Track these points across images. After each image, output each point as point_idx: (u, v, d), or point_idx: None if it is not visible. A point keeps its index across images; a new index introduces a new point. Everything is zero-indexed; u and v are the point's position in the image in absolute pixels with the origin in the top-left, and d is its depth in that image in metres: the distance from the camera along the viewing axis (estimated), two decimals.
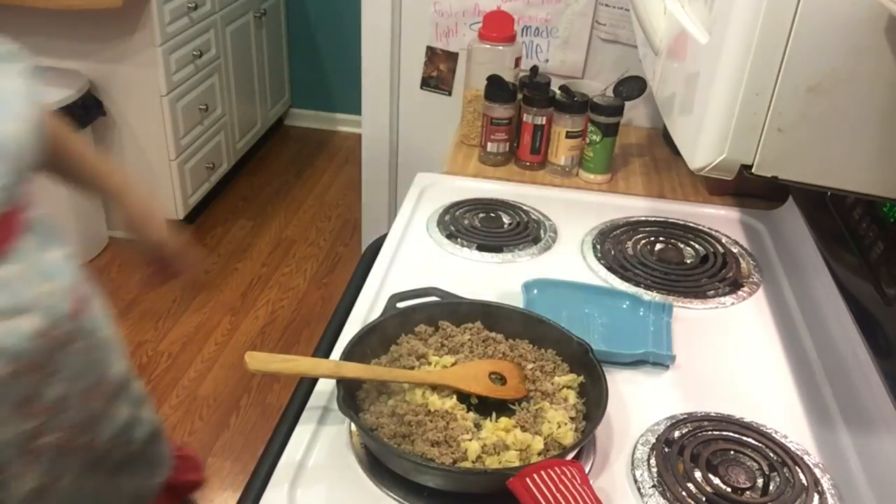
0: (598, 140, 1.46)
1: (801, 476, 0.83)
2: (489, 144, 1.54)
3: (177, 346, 2.45)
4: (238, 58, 3.10)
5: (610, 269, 1.21)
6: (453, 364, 0.93)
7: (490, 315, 0.99)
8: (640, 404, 0.94)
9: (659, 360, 1.00)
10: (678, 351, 1.02)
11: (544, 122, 1.49)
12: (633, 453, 0.86)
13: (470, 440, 0.82)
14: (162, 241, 1.03)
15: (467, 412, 0.87)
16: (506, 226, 1.32)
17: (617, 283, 1.17)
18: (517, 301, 1.07)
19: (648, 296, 1.13)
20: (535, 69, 1.56)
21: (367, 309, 1.08)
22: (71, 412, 0.85)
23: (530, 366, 0.94)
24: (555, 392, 0.90)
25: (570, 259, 1.25)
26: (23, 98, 0.80)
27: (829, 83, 0.67)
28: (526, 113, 1.49)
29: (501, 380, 0.90)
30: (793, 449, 0.87)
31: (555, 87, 1.51)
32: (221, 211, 3.13)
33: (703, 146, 0.75)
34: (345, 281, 1.27)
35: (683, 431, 0.88)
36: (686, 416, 0.92)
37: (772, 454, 0.85)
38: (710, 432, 0.88)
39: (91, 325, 0.87)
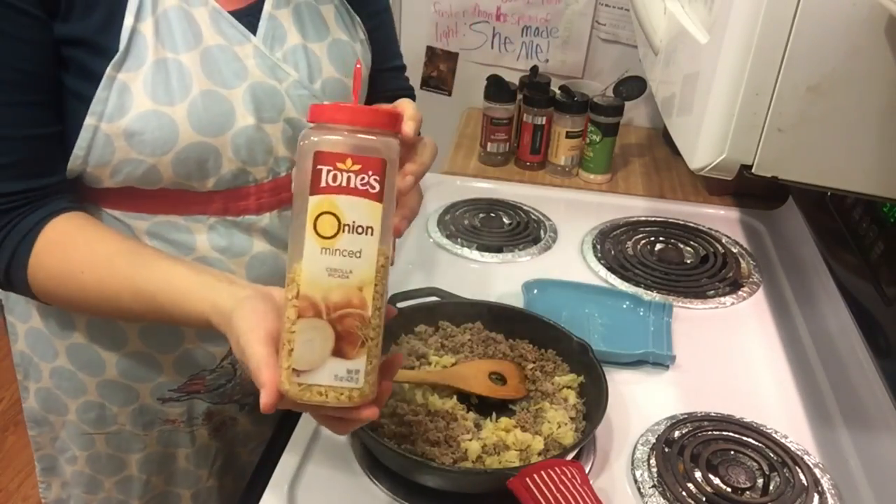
0: (598, 140, 1.46)
1: (801, 476, 0.83)
2: (489, 144, 1.54)
3: None
4: None
5: (610, 269, 1.21)
6: (453, 364, 0.93)
7: (490, 315, 0.99)
8: (640, 404, 0.94)
9: (659, 360, 1.00)
10: (678, 351, 1.02)
11: (544, 122, 1.49)
12: (633, 453, 0.86)
13: (470, 440, 0.82)
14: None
15: (467, 412, 0.87)
16: (506, 226, 1.32)
17: (617, 283, 1.17)
18: (517, 301, 1.07)
19: (648, 296, 1.13)
20: (535, 69, 1.56)
21: None
22: None
23: (530, 366, 0.94)
24: (555, 392, 0.90)
25: (570, 259, 1.25)
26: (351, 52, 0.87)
27: (829, 83, 0.67)
28: (526, 113, 1.49)
29: (501, 380, 0.90)
30: (793, 449, 0.87)
31: (555, 87, 1.51)
32: None
33: (703, 146, 0.75)
34: None
35: (683, 431, 0.88)
36: (686, 416, 0.92)
37: (772, 454, 0.85)
38: (710, 432, 0.88)
39: None
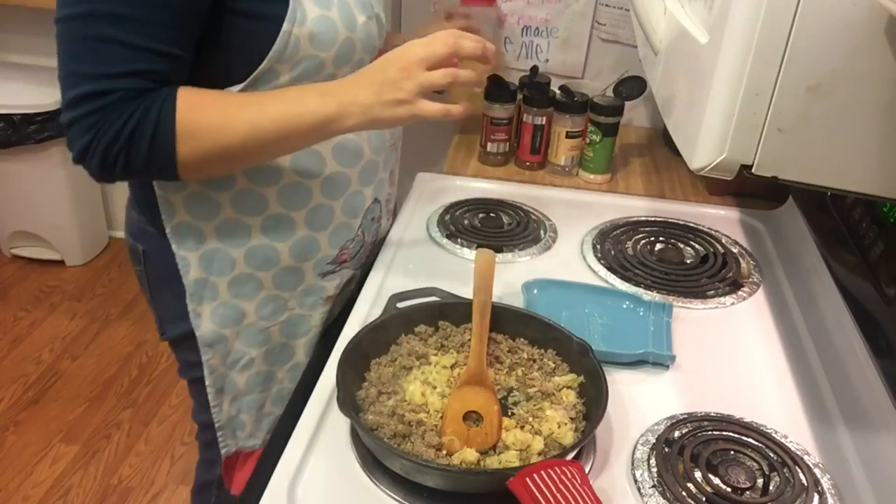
0: (598, 140, 1.46)
1: (801, 476, 0.83)
2: (489, 144, 1.54)
3: None
4: None
5: (610, 269, 1.21)
6: (453, 364, 0.93)
7: (490, 315, 0.99)
8: (640, 404, 0.94)
9: (659, 360, 1.00)
10: (678, 351, 1.02)
11: (544, 122, 1.49)
12: (633, 453, 0.86)
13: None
14: None
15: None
16: (506, 226, 1.32)
17: (617, 283, 1.17)
18: (517, 301, 1.07)
19: (648, 296, 1.13)
20: (535, 69, 1.56)
21: (367, 309, 1.08)
22: (395, 191, 1.27)
23: (530, 366, 0.94)
24: (555, 392, 0.90)
25: (570, 259, 1.25)
26: None
27: (829, 83, 0.67)
28: (526, 113, 1.49)
29: (479, 419, 0.86)
30: (793, 449, 0.87)
31: (555, 87, 1.51)
32: None
33: (702, 146, 0.75)
34: None
35: (683, 431, 0.88)
36: (686, 416, 0.92)
37: (772, 454, 0.85)
38: (710, 432, 0.88)
39: None
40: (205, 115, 0.89)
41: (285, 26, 0.91)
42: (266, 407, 1.20)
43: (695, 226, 1.35)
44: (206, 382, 1.15)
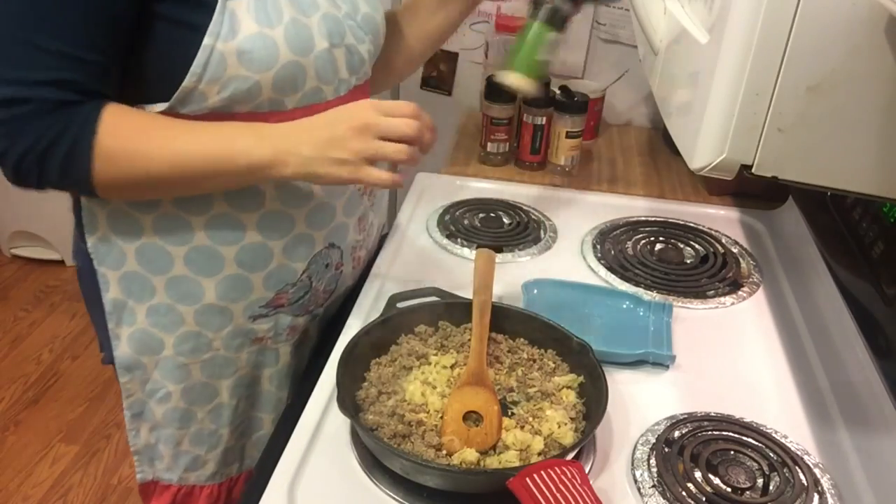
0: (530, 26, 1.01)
1: (801, 476, 0.83)
2: (489, 144, 1.54)
3: None
4: None
5: (610, 269, 1.21)
6: (453, 364, 0.93)
7: (490, 315, 0.99)
8: (640, 404, 0.94)
9: (659, 360, 1.00)
10: (678, 351, 1.02)
11: (544, 122, 1.49)
12: (633, 453, 0.86)
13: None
14: None
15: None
16: (506, 226, 1.32)
17: (617, 283, 1.17)
18: (517, 301, 1.07)
19: (648, 296, 1.13)
20: None
21: (367, 309, 1.08)
22: (371, 236, 1.16)
23: (530, 366, 0.94)
24: (555, 392, 0.90)
25: (570, 259, 1.25)
26: None
27: (829, 83, 0.67)
28: (526, 113, 1.49)
29: (479, 419, 0.86)
30: (793, 449, 0.87)
31: (555, 87, 1.51)
32: None
33: (702, 146, 0.75)
34: None
35: (683, 431, 0.88)
36: (686, 416, 0.92)
37: (772, 454, 0.85)
38: (710, 432, 0.88)
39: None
40: (128, 140, 0.83)
41: (207, 40, 0.81)
42: (184, 444, 1.08)
43: (695, 226, 1.35)
44: (124, 406, 1.06)
